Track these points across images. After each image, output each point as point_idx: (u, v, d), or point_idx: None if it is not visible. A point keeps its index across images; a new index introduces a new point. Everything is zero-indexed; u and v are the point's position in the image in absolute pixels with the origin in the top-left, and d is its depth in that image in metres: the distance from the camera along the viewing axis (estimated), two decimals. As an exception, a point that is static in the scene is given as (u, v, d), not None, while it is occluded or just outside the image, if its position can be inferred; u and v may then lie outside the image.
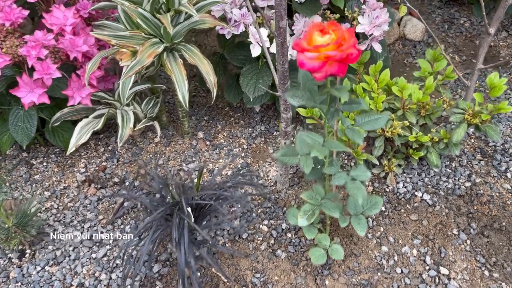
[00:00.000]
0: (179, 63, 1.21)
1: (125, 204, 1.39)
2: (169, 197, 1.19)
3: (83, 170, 1.50)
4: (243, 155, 1.51)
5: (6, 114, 1.42)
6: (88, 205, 1.41)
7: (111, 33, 1.15)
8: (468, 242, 1.25)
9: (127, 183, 1.45)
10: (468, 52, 1.93)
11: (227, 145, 1.54)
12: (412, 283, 1.17)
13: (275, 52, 1.26)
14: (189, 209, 1.12)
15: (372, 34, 1.28)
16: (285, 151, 1.08)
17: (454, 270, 1.20)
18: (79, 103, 1.29)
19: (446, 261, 1.22)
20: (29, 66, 1.18)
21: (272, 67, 1.17)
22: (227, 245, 1.23)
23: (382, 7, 1.33)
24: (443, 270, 1.20)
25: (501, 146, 1.49)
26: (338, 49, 0.84)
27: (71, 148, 1.26)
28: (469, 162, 1.45)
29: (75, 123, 1.35)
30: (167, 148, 1.54)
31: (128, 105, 1.39)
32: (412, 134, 1.31)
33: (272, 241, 1.25)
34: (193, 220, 1.12)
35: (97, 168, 1.51)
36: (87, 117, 1.35)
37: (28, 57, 1.16)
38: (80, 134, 1.26)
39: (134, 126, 1.35)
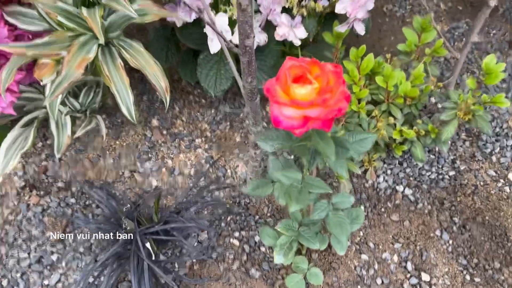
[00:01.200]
0: (119, 67, 0.97)
1: (72, 221, 1.22)
2: (124, 225, 1.03)
3: (20, 172, 1.29)
4: (206, 146, 1.33)
5: None
6: (32, 218, 1.23)
7: (25, 44, 0.88)
8: (450, 242, 1.19)
9: (73, 188, 1.27)
10: (453, -5, 1.71)
11: (188, 134, 1.35)
12: (393, 294, 1.12)
13: (238, 42, 1.02)
14: (148, 245, 0.98)
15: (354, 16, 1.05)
16: (256, 184, 0.92)
17: (435, 275, 1.15)
18: (1, 114, 1.05)
19: (428, 265, 1.16)
20: None
21: (232, 63, 0.95)
22: (195, 267, 1.11)
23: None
24: (424, 277, 1.14)
25: (489, 124, 1.37)
26: (323, 105, 0.64)
27: (-2, 178, 1.05)
28: (453, 143, 1.34)
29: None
30: (117, 142, 1.33)
31: (63, 103, 1.15)
32: (396, 129, 1.16)
33: (245, 258, 1.15)
34: (153, 256, 0.98)
35: (37, 169, 1.30)
36: (15, 121, 1.12)
37: None
38: (7, 158, 1.04)
39: (73, 133, 1.13)
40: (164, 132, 1.35)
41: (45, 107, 1.15)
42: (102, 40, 0.85)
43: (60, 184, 1.27)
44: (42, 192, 1.27)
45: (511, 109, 1.39)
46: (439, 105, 1.35)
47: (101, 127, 1.21)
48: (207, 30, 1.00)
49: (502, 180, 1.27)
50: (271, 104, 0.68)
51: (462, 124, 1.37)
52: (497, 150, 1.33)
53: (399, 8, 1.67)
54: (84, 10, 0.86)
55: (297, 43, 1.07)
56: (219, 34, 0.84)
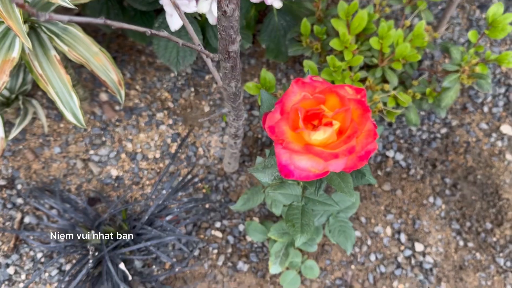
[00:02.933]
0: (54, 61, 0.73)
1: (26, 219, 1.04)
2: (90, 241, 0.88)
3: None
4: (170, 121, 1.14)
5: None
6: (-27, 226, 1.04)
7: None
8: (443, 206, 1.13)
9: (19, 185, 1.07)
10: None
11: (146, 107, 1.14)
12: (388, 270, 1.07)
13: (204, 11, 0.80)
14: (121, 265, 0.84)
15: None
16: (245, 198, 0.78)
17: (428, 244, 1.10)
18: None
19: (421, 233, 1.11)
20: None
21: (195, 36, 0.75)
22: (176, 270, 1.00)
23: None
24: (418, 247, 1.10)
25: (490, 81, 1.25)
26: (349, 154, 0.49)
27: None
28: (443, 95, 1.22)
29: None
30: (61, 125, 1.11)
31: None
32: (391, 95, 1.01)
33: (230, 251, 1.04)
34: (129, 277, 0.85)
35: (-33, 165, 1.08)
36: None
37: None
38: None
39: (6, 134, 0.91)
40: (117, 107, 1.14)
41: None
42: (26, 42, 0.61)
43: (1, 182, 1.07)
44: (-21, 194, 1.06)
45: (503, 51, 1.26)
46: (431, 54, 1.21)
47: (40, 115, 0.99)
48: (164, 4, 0.76)
49: (494, 134, 1.19)
50: (277, 146, 0.51)
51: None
52: (489, 99, 1.23)
53: None
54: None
55: (278, 5, 0.85)
56: (178, 8, 0.62)
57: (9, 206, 1.06)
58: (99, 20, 0.41)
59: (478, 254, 1.10)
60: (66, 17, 0.38)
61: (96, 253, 0.85)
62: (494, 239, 1.12)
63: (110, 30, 1.01)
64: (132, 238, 0.88)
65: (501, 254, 1.10)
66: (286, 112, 0.50)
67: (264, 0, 0.84)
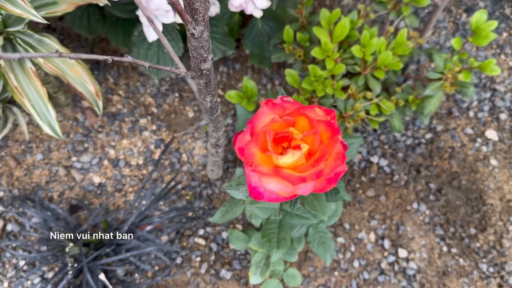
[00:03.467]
0: (30, 73, 0.72)
1: (9, 227, 1.04)
2: (69, 251, 0.88)
3: None
4: (154, 127, 1.13)
5: None
6: (-46, 234, 1.03)
7: None
8: (427, 212, 1.13)
9: (1, 193, 1.06)
10: None
11: (129, 113, 1.13)
12: (371, 276, 1.07)
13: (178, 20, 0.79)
14: (102, 275, 0.84)
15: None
16: (223, 210, 0.78)
17: (412, 249, 1.10)
18: None
19: (404, 239, 1.11)
20: None
21: (173, 53, 0.74)
22: (158, 278, 1.00)
23: None
24: (402, 253, 1.10)
25: (474, 88, 1.25)
26: (317, 178, 0.48)
27: None
28: (428, 100, 1.21)
29: None
30: (43, 132, 1.10)
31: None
32: (373, 103, 1.01)
33: (213, 258, 1.04)
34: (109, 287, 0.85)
35: None
36: None
37: None
38: None
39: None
40: (99, 112, 1.13)
41: None
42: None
43: (-19, 190, 1.06)
44: (-40, 202, 1.05)
45: (489, 55, 1.26)
46: (417, 59, 1.20)
47: (20, 122, 0.98)
48: (140, 15, 0.75)
49: (479, 139, 1.19)
50: (247, 167, 0.51)
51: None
52: (475, 104, 1.22)
53: None
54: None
55: (258, 15, 0.84)
56: (152, 21, 0.61)
57: (-10, 213, 1.05)
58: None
59: (461, 260, 1.11)
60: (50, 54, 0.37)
61: (76, 264, 0.84)
62: (478, 244, 1.12)
63: (92, 36, 1.00)
64: (112, 249, 0.87)
65: (484, 260, 1.10)
66: (255, 134, 0.50)
67: (244, 10, 0.83)
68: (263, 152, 0.50)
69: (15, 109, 0.99)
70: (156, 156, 1.10)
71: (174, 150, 1.11)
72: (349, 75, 1.02)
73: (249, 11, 0.83)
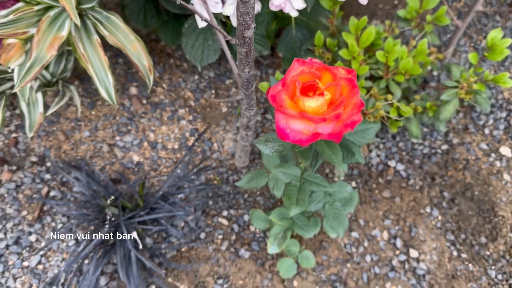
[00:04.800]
0: (96, 44, 0.85)
1: (52, 193, 1.15)
2: (108, 210, 0.97)
3: (-12, 145, 1.19)
4: (190, 117, 1.24)
5: None
6: (5, 196, 1.15)
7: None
8: (440, 217, 1.19)
9: (48, 163, 1.18)
10: None
11: (170, 103, 1.26)
12: (382, 271, 1.12)
13: (229, 14, 0.91)
14: (134, 234, 0.93)
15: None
16: (249, 177, 0.87)
17: (423, 251, 1.15)
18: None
19: (416, 241, 1.16)
20: None
21: (222, 40, 0.86)
22: (183, 249, 1.08)
23: None
24: (413, 253, 1.15)
25: (488, 100, 1.33)
26: (336, 121, 0.57)
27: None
28: (446, 115, 1.30)
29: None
30: (92, 112, 1.23)
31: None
32: (393, 106, 1.10)
33: (234, 238, 1.12)
34: (140, 245, 0.94)
35: (6, 141, 1.20)
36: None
37: None
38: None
39: (45, 109, 1.03)
40: (144, 101, 1.25)
41: (12, 79, 1.03)
42: (75, 20, 0.73)
43: (33, 158, 1.18)
44: (14, 167, 1.18)
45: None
46: (438, 76, 1.29)
47: (75, 100, 1.11)
48: (195, 3, 0.88)
49: (493, 154, 1.26)
50: (277, 112, 0.61)
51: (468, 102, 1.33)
52: (491, 122, 1.30)
53: (397, -40, 1.54)
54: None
55: (294, 14, 0.97)
56: (207, 8, 0.73)
57: (37, 180, 1.17)
58: None
59: (470, 265, 1.15)
60: None
61: (113, 219, 0.94)
62: (488, 252, 1.16)
63: (146, 29, 1.14)
64: (146, 212, 0.97)
65: (493, 267, 1.14)
66: (286, 84, 0.60)
67: (282, 9, 0.95)
68: (291, 98, 0.59)
69: (72, 87, 1.12)
70: (190, 143, 1.21)
71: (206, 139, 1.22)
72: (372, 78, 1.12)
73: (286, 10, 0.95)
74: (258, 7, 0.97)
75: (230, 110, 1.26)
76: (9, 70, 0.82)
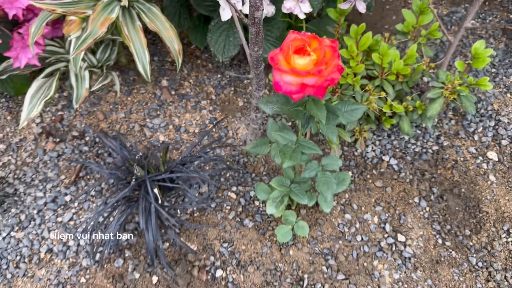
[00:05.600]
0: (138, 28, 1.06)
1: (86, 165, 1.34)
2: (136, 171, 1.15)
3: (38, 120, 1.40)
4: (211, 108, 1.43)
5: None
6: (48, 162, 1.35)
7: (56, 2, 0.97)
8: (427, 209, 1.31)
9: (87, 138, 1.38)
10: (457, -20, 1.78)
11: (194, 96, 1.45)
12: (371, 251, 1.25)
13: (247, 13, 1.11)
14: (156, 190, 1.10)
15: (357, -5, 1.13)
16: (255, 143, 1.03)
17: (410, 237, 1.27)
18: (27, 64, 1.14)
19: (404, 227, 1.29)
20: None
21: (241, 32, 1.05)
22: (195, 215, 1.24)
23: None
24: (400, 237, 1.27)
25: (474, 105, 1.47)
26: (319, 76, 0.75)
27: (23, 122, 1.15)
28: (440, 121, 1.44)
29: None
30: (129, 98, 1.43)
31: (82, 58, 1.24)
32: (387, 104, 1.26)
33: (240, 210, 1.27)
34: (159, 201, 1.10)
35: (53, 118, 1.41)
36: (41, 71, 1.22)
37: (-44, 22, 0.99)
38: (32, 105, 1.14)
39: (90, 86, 1.23)
40: (173, 92, 1.45)
41: (65, 60, 1.24)
42: (125, 2, 0.94)
43: (74, 133, 1.38)
44: (57, 139, 1.38)
45: (497, 93, 1.49)
46: (428, 94, 1.45)
47: (115, 83, 1.31)
48: (221, 2, 1.09)
49: (481, 157, 1.39)
50: (274, 70, 0.78)
51: (449, 103, 1.48)
52: (480, 129, 1.43)
53: (403, -12, 1.74)
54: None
55: (302, 16, 1.16)
56: (231, 4, 0.93)
57: (76, 152, 1.36)
58: None
59: (454, 253, 1.26)
60: None
61: (137, 180, 1.11)
62: (471, 243, 1.27)
63: (179, 29, 1.34)
64: (167, 174, 1.14)
65: (474, 255, 1.25)
66: (282, 49, 0.78)
67: (292, 11, 1.14)
68: (286, 59, 0.77)
69: (113, 73, 1.33)
70: (208, 128, 1.39)
71: (223, 127, 1.40)
72: (369, 78, 1.29)
73: (295, 12, 1.14)
74: (271, 9, 1.16)
75: (246, 105, 1.44)
76: (69, 38, 1.02)
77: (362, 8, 1.20)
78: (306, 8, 1.15)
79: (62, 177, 1.32)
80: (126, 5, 0.96)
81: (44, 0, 0.98)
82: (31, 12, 1.13)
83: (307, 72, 0.74)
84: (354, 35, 1.22)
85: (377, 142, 1.39)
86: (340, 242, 1.25)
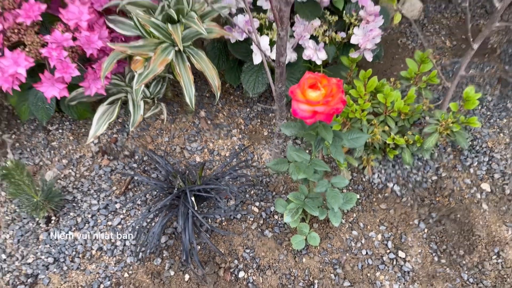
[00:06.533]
0: (187, 68, 1.33)
1: (135, 178, 1.59)
2: (177, 183, 1.39)
3: (96, 140, 1.68)
4: (240, 136, 1.68)
5: (23, 87, 1.54)
6: (102, 175, 1.60)
7: (127, 45, 1.26)
8: (426, 230, 1.50)
9: (136, 157, 1.64)
10: (460, 35, 2.02)
11: (227, 125, 1.71)
12: (374, 263, 1.43)
13: (274, 58, 1.37)
14: (192, 198, 1.33)
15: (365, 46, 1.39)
16: (276, 161, 1.27)
17: (410, 254, 1.45)
18: (95, 93, 1.43)
19: (405, 245, 1.47)
20: (51, 66, 1.30)
21: (269, 73, 1.30)
22: (223, 224, 1.46)
23: (378, 14, 1.42)
24: (401, 254, 1.45)
25: (470, 142, 1.68)
26: (326, 105, 0.98)
27: (90, 139, 1.42)
28: (439, 156, 1.65)
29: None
30: (172, 125, 1.70)
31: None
32: (390, 136, 1.48)
33: (261, 222, 1.49)
34: (195, 207, 1.33)
35: (109, 139, 1.68)
36: (101, 101, 1.50)
37: (50, 58, 1.28)
38: (98, 125, 1.41)
39: (144, 113, 1.50)
40: (209, 122, 1.72)
41: (124, 91, 1.52)
42: (181, 48, 1.21)
43: (126, 153, 1.65)
44: (111, 157, 1.64)
45: (491, 133, 1.69)
46: (425, 129, 1.67)
47: (163, 112, 1.58)
48: (253, 47, 1.35)
49: (475, 188, 1.57)
50: (293, 101, 1.03)
51: (446, 139, 1.68)
52: (475, 164, 1.63)
53: (411, 42, 1.99)
54: (169, 25, 1.23)
55: (319, 62, 1.41)
56: (262, 51, 1.19)
57: (126, 168, 1.62)
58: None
59: (448, 269, 1.43)
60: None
61: (178, 189, 1.35)
62: (464, 262, 1.44)
63: (218, 70, 1.62)
64: (202, 187, 1.37)
65: (466, 272, 1.41)
66: (299, 84, 1.02)
67: (311, 58, 1.40)
68: (302, 92, 1.01)
69: (162, 104, 1.60)
70: (237, 152, 1.63)
71: (250, 152, 1.64)
72: (375, 114, 1.52)
73: (313, 59, 1.40)
74: (294, 55, 1.43)
75: (270, 134, 1.69)
76: (135, 74, 1.29)
77: (369, 57, 1.46)
78: (323, 55, 1.41)
79: (114, 188, 1.57)
80: (181, 49, 1.23)
81: (117, 43, 1.27)
82: (103, 52, 1.42)
83: (318, 102, 0.98)
84: (362, 78, 1.47)
85: (383, 170, 1.60)
86: (347, 254, 1.44)
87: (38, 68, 1.37)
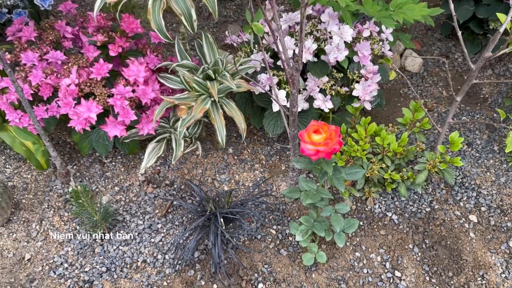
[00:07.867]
0: (220, 114, 1.67)
1: (174, 203, 1.91)
2: (209, 206, 1.70)
3: (142, 171, 2.02)
4: (261, 170, 2.00)
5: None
6: (147, 200, 1.93)
7: (174, 97, 1.62)
8: (419, 254, 1.75)
9: (175, 185, 1.97)
10: (456, 86, 2.31)
11: (250, 161, 2.03)
12: (373, 281, 1.68)
13: (288, 106, 1.70)
14: (221, 219, 1.64)
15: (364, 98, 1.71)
16: (290, 190, 1.57)
17: (405, 274, 1.70)
18: (147, 133, 1.78)
19: (401, 266, 1.72)
20: (116, 112, 1.66)
21: (285, 119, 1.63)
22: (246, 242, 1.76)
23: (376, 72, 1.74)
24: (397, 273, 1.70)
25: (461, 180, 1.94)
26: (326, 146, 1.29)
27: (142, 169, 1.76)
28: (433, 190, 1.91)
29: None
30: (205, 160, 2.03)
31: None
32: (387, 172, 1.76)
33: (278, 242, 1.77)
34: (224, 227, 1.63)
35: (153, 171, 2.02)
36: (150, 140, 1.85)
37: (115, 106, 1.64)
38: (148, 158, 1.76)
39: (184, 149, 1.84)
40: (236, 157, 2.04)
41: (168, 132, 1.87)
42: (216, 99, 1.56)
43: (167, 182, 1.98)
44: (155, 186, 1.97)
45: (479, 172, 1.95)
46: (416, 167, 1.94)
47: (198, 149, 1.92)
48: (273, 98, 1.69)
49: (464, 219, 1.82)
50: (301, 142, 1.34)
51: (437, 176, 1.95)
52: (465, 198, 1.88)
53: (412, 91, 2.30)
54: (208, 82, 1.58)
55: (326, 111, 1.73)
56: (278, 102, 1.52)
57: (167, 195, 1.95)
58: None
59: None
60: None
61: (210, 212, 1.66)
62: (452, 282, 1.68)
63: (244, 114, 1.96)
64: (229, 210, 1.68)
65: (453, 291, 1.65)
66: (306, 129, 1.34)
67: (320, 106, 1.72)
68: (308, 135, 1.33)
69: (198, 142, 1.94)
70: (259, 183, 1.94)
71: (269, 183, 1.95)
72: (374, 153, 1.81)
73: (322, 107, 1.72)
74: (306, 105, 1.75)
75: (286, 169, 2.00)
76: (181, 118, 1.63)
77: (368, 106, 1.77)
78: (329, 105, 1.73)
79: (156, 211, 1.90)
80: (216, 100, 1.58)
81: (167, 96, 1.63)
82: (154, 101, 1.78)
83: (320, 143, 1.29)
84: (363, 124, 1.78)
85: (383, 202, 1.87)
86: (351, 272, 1.70)
87: (101, 113, 1.74)
